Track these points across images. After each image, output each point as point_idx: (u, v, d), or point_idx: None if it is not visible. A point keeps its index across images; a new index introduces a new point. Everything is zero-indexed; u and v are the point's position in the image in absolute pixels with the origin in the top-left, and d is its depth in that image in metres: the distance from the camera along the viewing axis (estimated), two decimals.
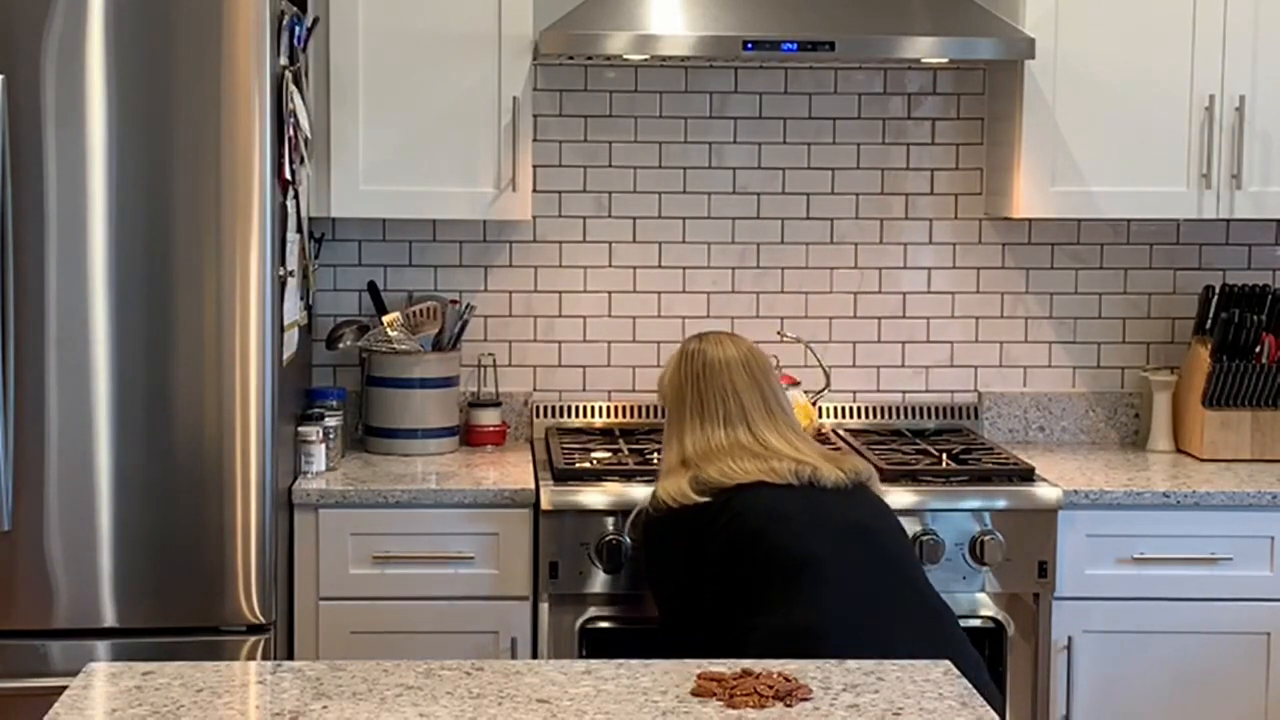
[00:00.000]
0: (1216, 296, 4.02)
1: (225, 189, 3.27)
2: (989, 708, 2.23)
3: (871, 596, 2.93)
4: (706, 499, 3.08)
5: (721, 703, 2.20)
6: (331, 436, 3.72)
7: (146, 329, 3.29)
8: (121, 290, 3.27)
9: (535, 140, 3.94)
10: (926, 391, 4.18)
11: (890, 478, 3.54)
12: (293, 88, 3.41)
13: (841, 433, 4.02)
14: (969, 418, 4.16)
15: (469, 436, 4.03)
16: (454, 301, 4.05)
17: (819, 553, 2.96)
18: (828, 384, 4.02)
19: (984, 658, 3.14)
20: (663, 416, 4.08)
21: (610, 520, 3.48)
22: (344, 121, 3.74)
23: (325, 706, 2.19)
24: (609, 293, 4.15)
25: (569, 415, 4.12)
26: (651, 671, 2.33)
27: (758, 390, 3.22)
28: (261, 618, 3.34)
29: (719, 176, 4.13)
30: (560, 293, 4.14)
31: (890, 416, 4.15)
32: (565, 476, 3.57)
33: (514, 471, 3.74)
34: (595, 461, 3.70)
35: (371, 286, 4.05)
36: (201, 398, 3.30)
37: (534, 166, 3.91)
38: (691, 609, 3.09)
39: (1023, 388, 4.19)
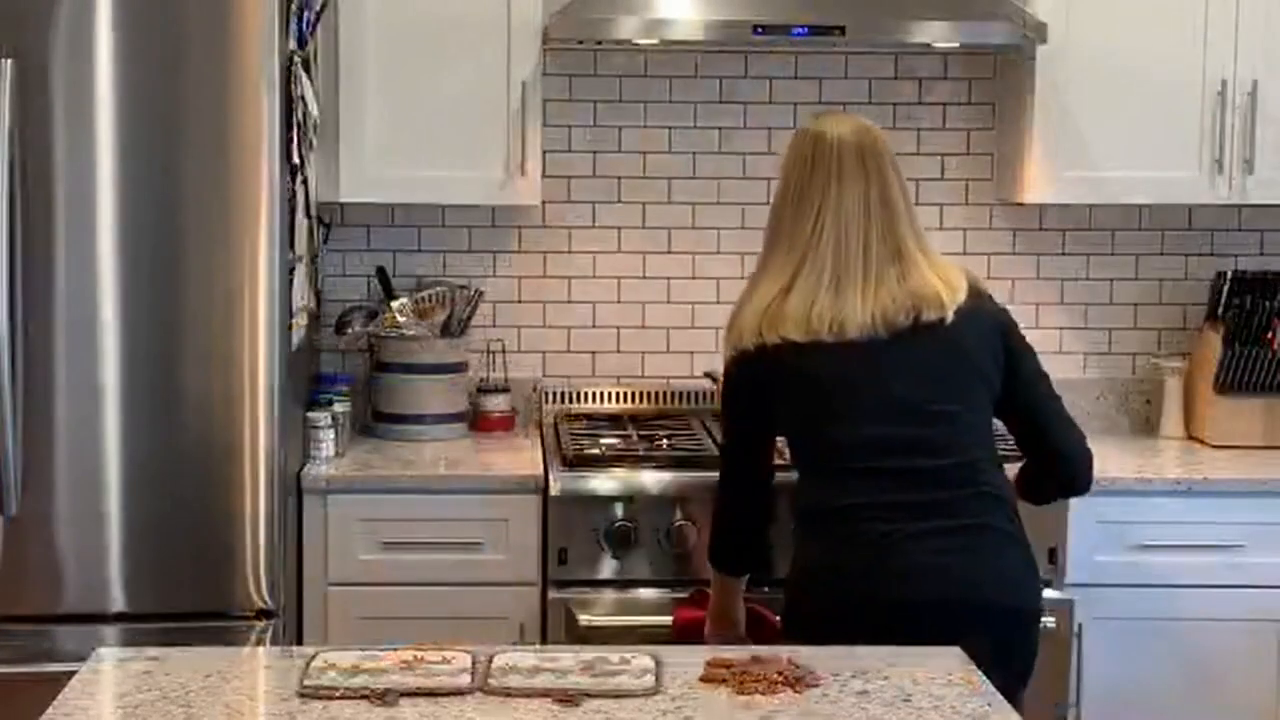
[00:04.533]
0: (1228, 283, 4.00)
1: (234, 174, 3.26)
2: (998, 694, 2.22)
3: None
4: (763, 347, 2.89)
5: (731, 689, 2.19)
6: (340, 422, 3.72)
7: (155, 314, 3.28)
8: (130, 275, 3.26)
9: (544, 125, 3.93)
10: None
11: None
12: (301, 72, 3.40)
13: None
14: None
15: (477, 422, 4.02)
16: (462, 287, 4.04)
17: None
18: None
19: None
20: (672, 403, 4.11)
21: (619, 506, 3.48)
22: (352, 106, 3.73)
23: None
24: (618, 278, 4.15)
25: (578, 401, 4.12)
26: (660, 658, 2.32)
27: (862, 185, 2.88)
28: (270, 603, 3.34)
29: (729, 162, 4.12)
30: (569, 278, 4.13)
31: None
32: (574, 463, 3.56)
33: (523, 457, 3.73)
34: (604, 448, 3.69)
35: (380, 272, 4.04)
36: (210, 383, 3.30)
37: (543, 152, 3.89)
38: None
39: None
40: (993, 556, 2.83)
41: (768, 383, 2.90)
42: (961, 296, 2.88)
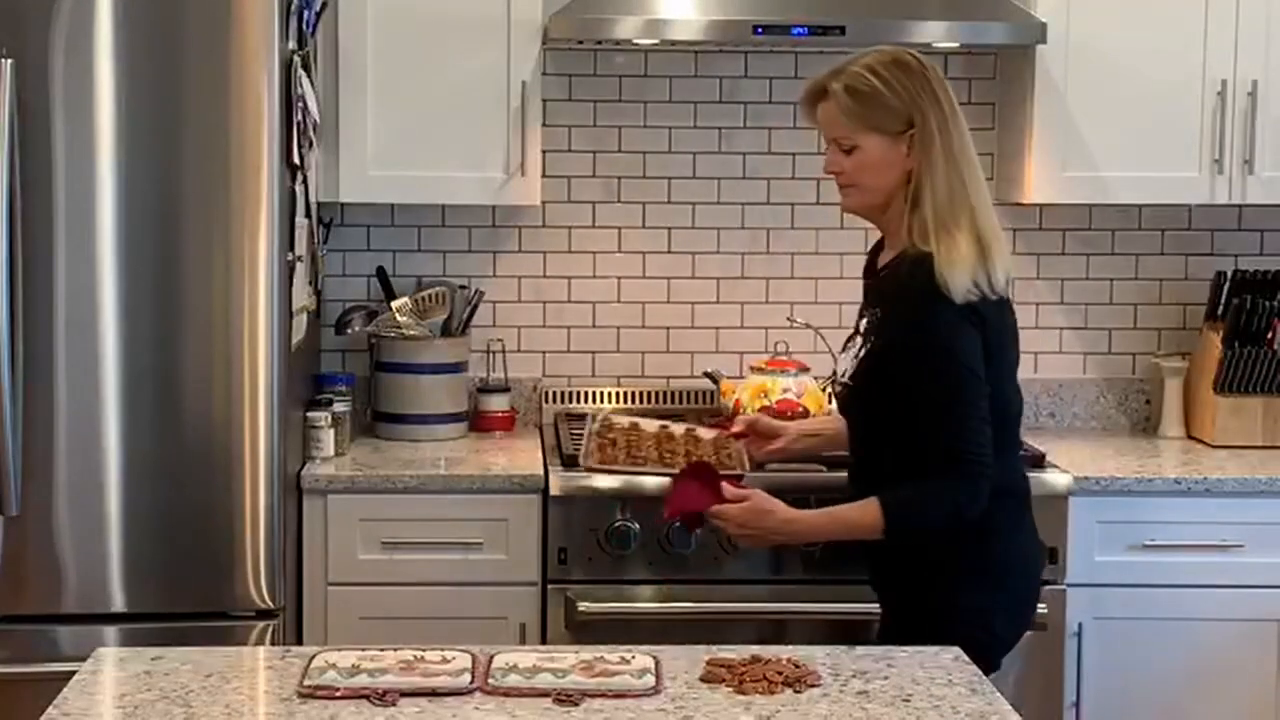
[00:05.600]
0: (1228, 282, 4.00)
1: (234, 174, 3.27)
2: (998, 694, 2.22)
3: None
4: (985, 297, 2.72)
5: (731, 689, 2.20)
6: (340, 422, 3.71)
7: (155, 314, 3.28)
8: (130, 275, 3.26)
9: (544, 125, 3.93)
10: None
11: None
12: (301, 72, 3.40)
13: None
14: None
15: (478, 422, 4.02)
16: (463, 287, 4.05)
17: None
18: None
19: None
20: (670, 402, 4.11)
21: (619, 506, 3.48)
22: (352, 106, 3.73)
23: None
24: (618, 278, 4.15)
25: (578, 401, 4.12)
26: (660, 658, 2.32)
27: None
28: (270, 603, 3.34)
29: (729, 162, 4.12)
30: (569, 278, 4.13)
31: None
32: (574, 462, 3.56)
33: (523, 457, 3.73)
34: None
35: (380, 272, 4.04)
36: (210, 383, 3.30)
37: (543, 151, 3.90)
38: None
39: (1033, 373, 4.17)
40: None
41: (991, 338, 2.74)
42: None
